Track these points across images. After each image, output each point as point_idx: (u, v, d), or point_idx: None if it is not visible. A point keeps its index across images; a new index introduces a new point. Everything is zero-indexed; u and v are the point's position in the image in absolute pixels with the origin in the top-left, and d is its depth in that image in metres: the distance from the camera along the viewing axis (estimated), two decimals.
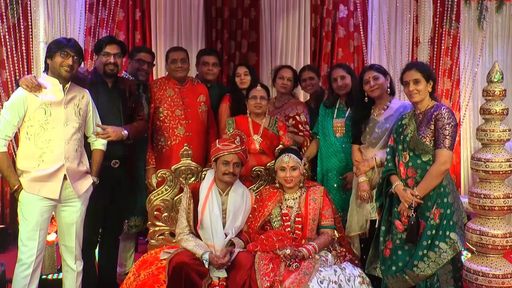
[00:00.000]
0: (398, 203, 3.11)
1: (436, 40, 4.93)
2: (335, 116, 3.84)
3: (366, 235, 3.52)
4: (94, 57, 3.54)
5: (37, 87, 2.94)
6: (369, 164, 3.45)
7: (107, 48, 3.42)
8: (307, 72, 4.30)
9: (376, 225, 3.36)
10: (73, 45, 3.03)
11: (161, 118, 3.94)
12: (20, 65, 4.56)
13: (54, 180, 2.98)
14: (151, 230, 3.53)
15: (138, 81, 4.04)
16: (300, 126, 4.05)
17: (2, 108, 4.45)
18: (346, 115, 3.79)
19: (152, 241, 3.51)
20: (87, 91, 3.19)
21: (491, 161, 3.02)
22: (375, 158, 3.42)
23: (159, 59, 5.31)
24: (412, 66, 3.14)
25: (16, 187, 2.95)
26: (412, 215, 2.99)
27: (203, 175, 3.48)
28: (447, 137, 2.92)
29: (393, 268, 3.07)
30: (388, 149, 3.25)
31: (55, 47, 3.01)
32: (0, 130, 2.93)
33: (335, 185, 3.78)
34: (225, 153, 3.25)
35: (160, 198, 3.53)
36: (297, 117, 4.08)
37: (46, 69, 3.07)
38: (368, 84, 3.45)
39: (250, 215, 3.32)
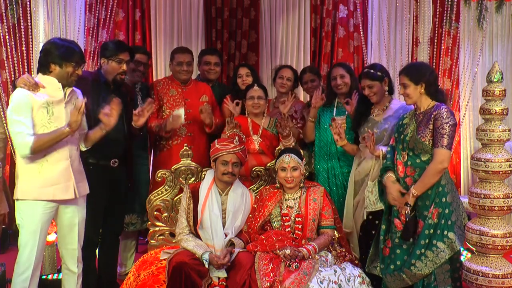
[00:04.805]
0: None
1: (436, 40, 4.93)
2: (334, 114, 3.84)
3: (359, 233, 3.53)
4: (101, 60, 3.49)
5: (34, 86, 2.88)
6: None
7: (121, 55, 3.39)
8: (308, 74, 4.30)
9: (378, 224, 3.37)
10: (83, 54, 3.01)
11: (163, 118, 3.94)
12: (20, 65, 4.56)
13: (66, 180, 2.95)
14: (151, 230, 3.53)
15: (134, 81, 4.04)
16: (294, 121, 4.05)
17: (2, 110, 4.47)
18: (347, 113, 3.79)
19: (152, 241, 3.51)
20: (77, 89, 3.11)
21: (491, 161, 3.02)
22: (381, 149, 3.39)
23: (159, 59, 5.31)
24: (401, 71, 3.18)
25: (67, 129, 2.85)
26: (408, 212, 3.00)
27: (203, 175, 3.48)
28: (445, 136, 2.93)
29: (392, 266, 3.08)
30: (389, 148, 3.26)
31: (67, 56, 2.91)
32: (21, 132, 2.79)
33: (339, 171, 3.78)
34: (224, 153, 3.25)
35: (160, 198, 3.53)
36: (294, 114, 4.08)
37: (43, 71, 2.96)
38: (364, 91, 3.50)
39: (250, 215, 3.32)
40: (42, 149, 2.84)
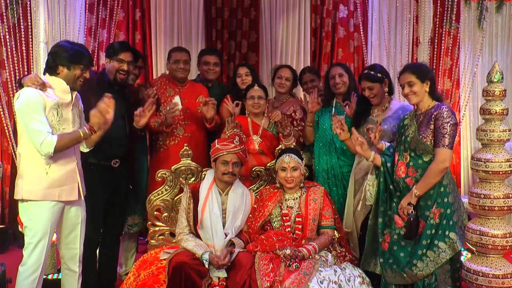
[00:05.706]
0: (397, 197, 3.11)
1: (436, 40, 4.93)
2: (333, 114, 3.84)
3: (359, 233, 3.52)
4: (105, 60, 3.53)
5: (42, 85, 2.86)
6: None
7: (122, 55, 3.44)
8: (307, 75, 4.30)
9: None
10: (91, 58, 3.02)
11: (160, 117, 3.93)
12: (20, 65, 4.55)
13: (72, 182, 2.95)
14: (151, 230, 3.53)
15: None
16: (295, 122, 4.05)
17: (2, 109, 4.47)
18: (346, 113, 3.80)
19: (152, 241, 3.51)
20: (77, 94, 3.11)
21: (491, 161, 3.02)
22: (385, 144, 3.38)
23: (159, 59, 5.30)
24: (406, 69, 3.16)
25: (87, 133, 2.86)
26: (411, 212, 3.00)
27: (203, 175, 3.48)
28: (446, 135, 2.93)
29: (390, 261, 3.09)
30: (391, 149, 3.26)
31: (76, 59, 2.91)
32: (42, 131, 2.75)
33: (339, 171, 3.78)
34: (224, 153, 3.25)
35: (160, 198, 3.53)
36: (293, 114, 4.08)
37: (50, 72, 2.95)
38: (364, 92, 3.51)
39: (250, 215, 3.32)
40: (62, 149, 2.82)
